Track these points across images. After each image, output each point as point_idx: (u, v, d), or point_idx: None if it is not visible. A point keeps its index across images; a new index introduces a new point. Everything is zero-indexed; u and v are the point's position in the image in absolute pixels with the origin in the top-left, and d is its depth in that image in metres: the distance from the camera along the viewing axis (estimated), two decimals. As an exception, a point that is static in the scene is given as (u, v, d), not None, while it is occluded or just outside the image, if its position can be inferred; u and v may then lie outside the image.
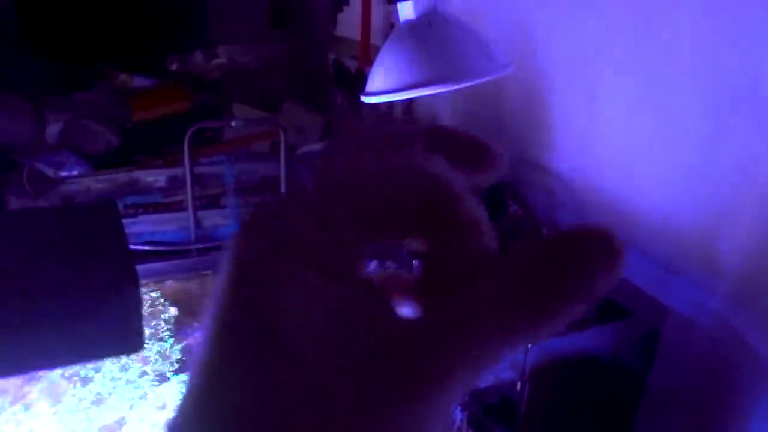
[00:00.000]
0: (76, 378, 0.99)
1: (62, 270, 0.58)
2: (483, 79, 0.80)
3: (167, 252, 1.48)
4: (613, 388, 0.85)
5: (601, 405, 0.85)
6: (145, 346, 1.08)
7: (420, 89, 0.80)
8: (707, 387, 0.85)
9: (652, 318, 0.83)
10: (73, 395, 0.97)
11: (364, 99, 0.85)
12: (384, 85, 0.83)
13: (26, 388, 0.96)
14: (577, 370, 0.81)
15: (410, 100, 1.48)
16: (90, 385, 0.98)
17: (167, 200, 1.77)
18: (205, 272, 1.19)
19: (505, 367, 0.75)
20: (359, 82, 1.65)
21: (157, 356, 1.06)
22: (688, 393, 0.88)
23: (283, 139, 1.54)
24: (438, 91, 0.81)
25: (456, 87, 0.80)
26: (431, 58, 0.79)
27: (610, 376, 0.84)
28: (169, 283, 1.19)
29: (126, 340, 0.58)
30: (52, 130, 1.75)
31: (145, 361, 1.04)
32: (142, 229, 1.72)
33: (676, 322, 0.84)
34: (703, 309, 0.84)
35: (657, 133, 0.90)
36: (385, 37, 1.56)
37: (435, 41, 0.80)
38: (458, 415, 0.75)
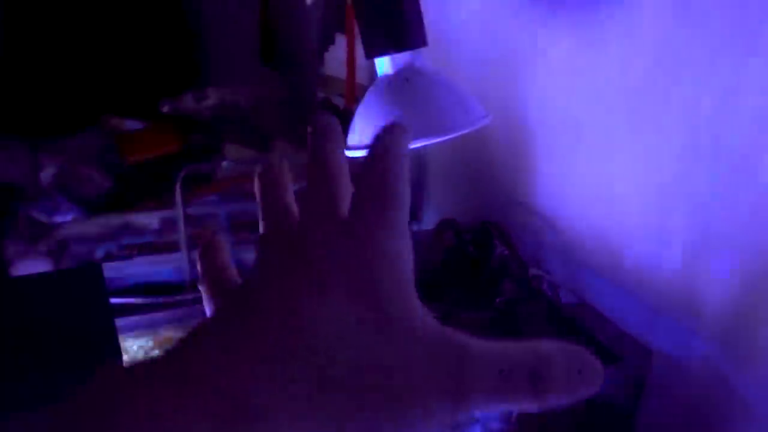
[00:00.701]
0: None
1: (42, 351, 0.58)
2: (459, 132, 0.81)
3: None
4: (602, 431, 0.85)
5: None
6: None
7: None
8: (694, 428, 0.85)
9: (639, 360, 0.84)
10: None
11: (347, 153, 0.86)
12: (364, 139, 0.84)
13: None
14: (566, 414, 0.81)
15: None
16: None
17: (162, 240, 1.79)
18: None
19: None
20: (347, 120, 1.67)
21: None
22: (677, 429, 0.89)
23: (274, 178, 1.55)
24: (415, 145, 0.82)
25: (433, 141, 0.81)
26: (408, 113, 0.80)
27: (600, 420, 0.84)
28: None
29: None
30: (47, 174, 1.77)
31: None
32: (138, 270, 1.73)
33: (662, 364, 0.85)
34: (689, 350, 0.85)
35: (640, 174, 0.91)
36: (371, 75, 1.59)
37: (412, 96, 0.82)
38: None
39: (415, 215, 1.51)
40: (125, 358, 1.11)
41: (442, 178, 1.44)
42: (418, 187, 1.50)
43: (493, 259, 1.07)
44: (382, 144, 0.33)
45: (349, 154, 0.86)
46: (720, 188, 0.78)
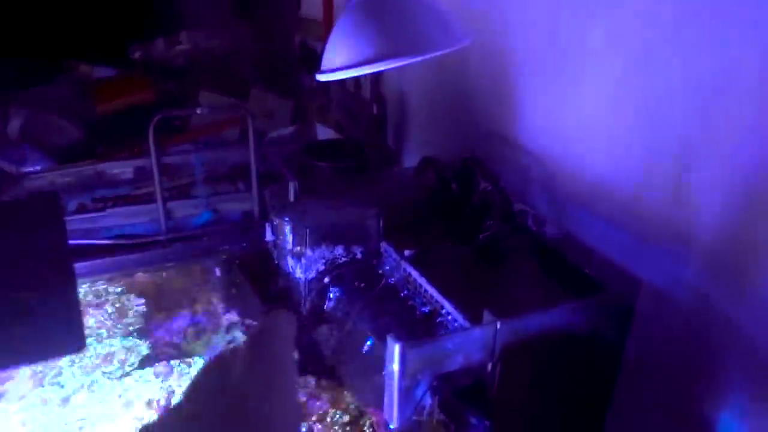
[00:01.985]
0: (41, 375, 0.96)
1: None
2: (439, 52, 0.77)
3: (137, 245, 1.44)
4: (589, 365, 0.83)
5: (576, 382, 0.83)
6: (112, 341, 1.05)
7: (374, 64, 0.77)
8: (683, 358, 0.83)
9: (626, 291, 0.81)
10: (37, 395, 0.93)
11: (320, 77, 0.82)
12: (338, 62, 0.80)
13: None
14: (550, 348, 0.79)
15: (377, 78, 1.44)
16: (54, 385, 0.95)
17: (136, 192, 1.73)
18: (175, 263, 1.16)
19: (475, 349, 0.72)
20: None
21: (125, 352, 1.03)
22: (665, 365, 0.86)
23: (251, 125, 1.50)
24: (392, 65, 0.78)
25: (411, 60, 0.77)
26: (385, 32, 0.76)
27: (586, 353, 0.82)
28: (139, 276, 1.16)
29: (65, 340, 0.55)
30: (13, 125, 1.71)
31: (111, 358, 1.00)
32: (112, 222, 1.68)
33: (650, 294, 0.82)
34: (677, 280, 0.82)
35: (628, 103, 0.88)
36: (350, 15, 1.53)
37: (389, 15, 0.77)
38: (428, 400, 0.72)
39: (395, 156, 1.47)
40: (96, 300, 1.07)
41: (422, 115, 1.39)
42: (399, 126, 1.45)
43: (476, 196, 1.03)
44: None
45: (324, 77, 0.82)
46: (704, 111, 0.75)
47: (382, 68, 0.78)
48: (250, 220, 1.55)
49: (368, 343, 0.84)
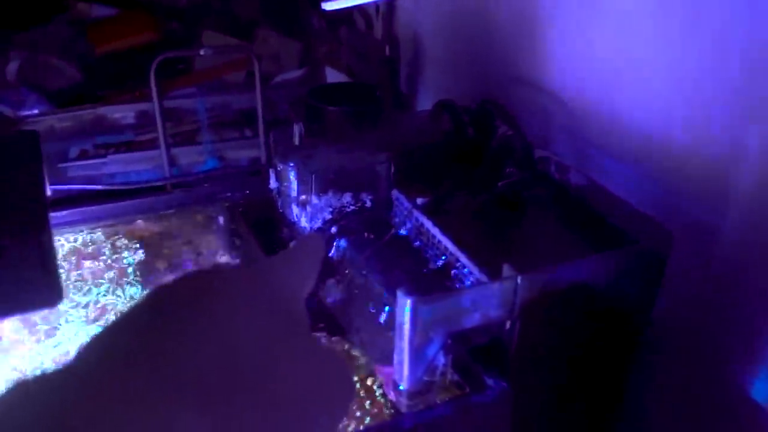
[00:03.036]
0: (37, 329, 0.91)
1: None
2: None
3: (138, 190, 1.39)
4: (612, 323, 0.77)
5: (599, 341, 0.77)
6: (111, 291, 1.00)
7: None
8: (716, 318, 0.77)
9: (655, 244, 0.75)
10: (31, 349, 0.89)
11: (326, 6, 0.74)
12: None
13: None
14: (573, 304, 0.73)
15: (390, 18, 1.36)
16: (50, 340, 0.91)
17: (140, 138, 1.68)
18: (176, 210, 1.10)
19: (493, 305, 0.67)
20: None
21: (124, 302, 0.99)
22: (694, 325, 0.81)
23: (257, 67, 1.43)
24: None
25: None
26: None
27: (610, 310, 0.76)
28: (138, 224, 1.10)
29: (40, 292, 0.49)
30: (11, 67, 1.64)
31: (112, 309, 0.96)
32: (115, 169, 1.63)
33: (683, 249, 0.76)
34: (712, 233, 0.76)
35: (672, 39, 0.80)
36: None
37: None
38: (441, 359, 0.67)
39: (408, 100, 1.40)
40: (92, 249, 1.02)
41: (438, 57, 1.31)
42: (412, 69, 1.37)
43: (495, 141, 0.96)
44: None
45: (331, 6, 0.74)
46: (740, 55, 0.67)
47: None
48: (255, 167, 1.49)
49: (374, 302, 0.79)
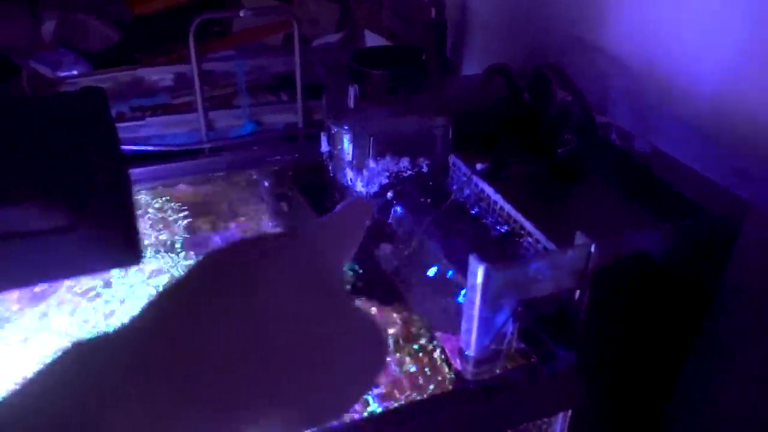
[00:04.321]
0: (91, 292, 0.91)
1: (38, 171, 0.47)
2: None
3: (178, 153, 1.38)
4: (679, 294, 0.75)
5: (665, 312, 0.75)
6: (156, 256, 0.99)
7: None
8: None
9: (728, 215, 0.72)
10: (83, 310, 0.89)
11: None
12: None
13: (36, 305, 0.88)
14: (641, 274, 0.71)
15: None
16: (98, 300, 0.90)
17: (176, 101, 1.66)
18: (218, 173, 1.09)
19: (565, 273, 0.65)
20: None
21: (170, 266, 0.98)
22: (765, 302, 0.79)
23: (297, 30, 1.40)
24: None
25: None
26: None
27: (676, 281, 0.74)
28: (181, 187, 1.09)
29: (120, 250, 0.48)
30: (47, 27, 1.62)
31: (157, 273, 0.95)
32: (151, 132, 1.62)
33: (758, 218, 0.74)
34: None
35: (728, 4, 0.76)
36: None
37: None
38: (509, 327, 0.66)
39: (454, 65, 1.36)
40: (137, 211, 1.01)
41: (486, 18, 1.27)
42: (459, 33, 1.34)
43: (553, 107, 0.93)
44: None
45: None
46: None
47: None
48: (292, 131, 1.47)
49: (434, 269, 0.77)
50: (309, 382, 0.27)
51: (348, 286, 0.83)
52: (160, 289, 0.27)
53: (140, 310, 0.26)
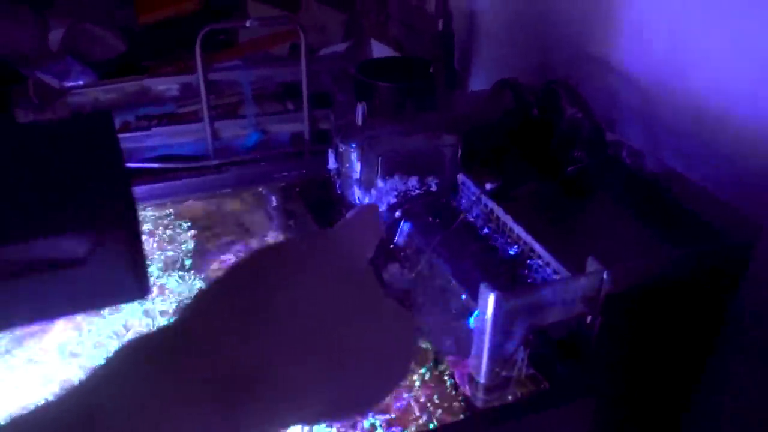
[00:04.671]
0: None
1: (45, 204, 0.47)
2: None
3: (186, 168, 1.37)
4: (689, 318, 0.74)
5: (676, 336, 0.74)
6: (166, 273, 0.99)
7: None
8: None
9: (743, 235, 0.71)
10: (90, 330, 0.88)
11: None
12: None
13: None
14: (652, 298, 0.70)
15: (445, -9, 1.31)
16: (107, 317, 0.90)
17: (182, 110, 1.66)
18: (225, 190, 1.08)
19: (576, 300, 0.64)
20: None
21: (178, 285, 0.97)
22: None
23: (303, 40, 1.39)
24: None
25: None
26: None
27: (687, 304, 0.73)
28: (189, 204, 1.09)
29: (126, 286, 0.47)
30: (55, 36, 1.62)
31: (165, 291, 0.95)
32: (157, 142, 1.61)
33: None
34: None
35: (745, 10, 0.75)
36: None
37: None
38: (520, 354, 0.65)
39: (461, 77, 1.36)
40: (145, 228, 1.01)
41: (494, 31, 1.27)
42: (466, 45, 1.33)
43: (563, 124, 0.93)
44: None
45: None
46: None
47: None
48: (300, 142, 1.46)
49: (462, 299, 0.76)
50: (349, 370, 0.28)
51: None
52: (202, 288, 0.29)
53: (183, 308, 0.28)
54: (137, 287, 0.47)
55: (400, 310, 0.32)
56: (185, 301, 0.90)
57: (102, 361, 0.24)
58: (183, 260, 0.98)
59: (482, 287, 0.60)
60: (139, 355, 0.25)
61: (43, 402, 0.23)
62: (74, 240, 0.45)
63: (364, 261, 0.34)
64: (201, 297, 0.28)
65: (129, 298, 0.47)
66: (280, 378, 0.26)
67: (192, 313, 0.27)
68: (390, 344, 0.31)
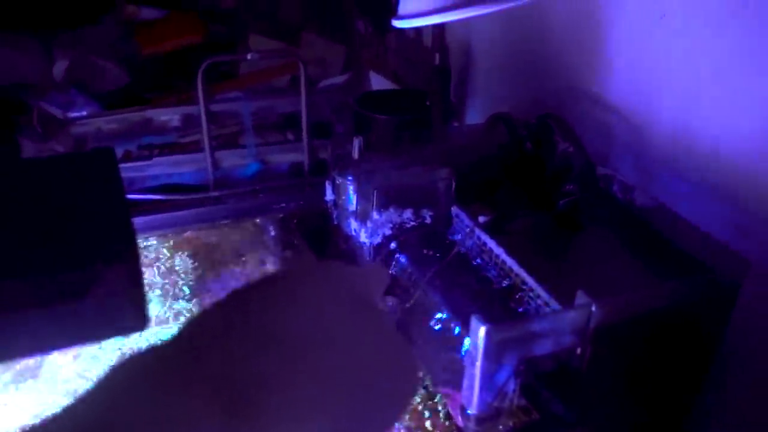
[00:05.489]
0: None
1: (47, 239, 0.48)
2: (510, 4, 0.68)
3: (186, 200, 1.39)
4: (679, 351, 0.75)
5: (666, 369, 0.76)
6: (167, 303, 1.00)
7: (459, 11, 0.69)
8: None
9: (732, 272, 0.73)
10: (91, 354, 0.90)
11: (396, 23, 0.73)
12: (417, 7, 0.71)
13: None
14: (642, 331, 0.71)
15: (442, 27, 1.35)
16: (104, 345, 0.91)
17: (183, 140, 1.68)
18: (224, 221, 1.10)
19: (566, 332, 0.65)
20: (384, 7, 1.51)
21: (178, 315, 0.99)
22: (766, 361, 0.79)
23: (303, 72, 1.42)
24: (477, 13, 0.69)
25: (498, 8, 0.68)
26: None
27: (680, 336, 0.74)
28: (188, 234, 1.10)
29: (125, 319, 0.49)
30: (59, 67, 1.65)
31: (167, 320, 0.96)
32: (158, 171, 1.63)
33: (759, 276, 0.74)
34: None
35: (733, 58, 0.78)
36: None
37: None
38: (511, 386, 0.66)
39: (457, 111, 1.38)
40: (146, 259, 1.02)
41: (490, 66, 1.29)
42: (462, 78, 1.36)
43: (555, 158, 0.95)
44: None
45: (402, 24, 0.73)
46: None
47: (465, 16, 0.70)
48: (299, 172, 1.49)
49: (456, 332, 0.77)
50: (352, 399, 0.28)
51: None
52: (206, 308, 0.29)
53: (187, 324, 0.28)
54: (137, 319, 0.48)
55: (406, 343, 0.33)
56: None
57: (105, 376, 0.24)
58: (182, 289, 0.99)
59: (473, 319, 0.61)
60: (139, 369, 0.25)
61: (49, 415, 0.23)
62: (75, 275, 0.46)
63: (375, 296, 0.35)
64: (205, 315, 0.29)
65: (128, 331, 0.49)
66: (285, 400, 0.26)
67: (196, 330, 0.28)
68: (396, 376, 0.31)
